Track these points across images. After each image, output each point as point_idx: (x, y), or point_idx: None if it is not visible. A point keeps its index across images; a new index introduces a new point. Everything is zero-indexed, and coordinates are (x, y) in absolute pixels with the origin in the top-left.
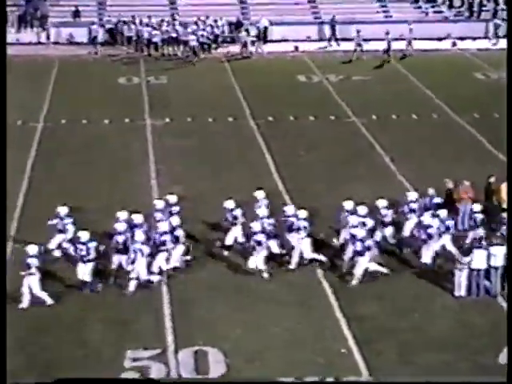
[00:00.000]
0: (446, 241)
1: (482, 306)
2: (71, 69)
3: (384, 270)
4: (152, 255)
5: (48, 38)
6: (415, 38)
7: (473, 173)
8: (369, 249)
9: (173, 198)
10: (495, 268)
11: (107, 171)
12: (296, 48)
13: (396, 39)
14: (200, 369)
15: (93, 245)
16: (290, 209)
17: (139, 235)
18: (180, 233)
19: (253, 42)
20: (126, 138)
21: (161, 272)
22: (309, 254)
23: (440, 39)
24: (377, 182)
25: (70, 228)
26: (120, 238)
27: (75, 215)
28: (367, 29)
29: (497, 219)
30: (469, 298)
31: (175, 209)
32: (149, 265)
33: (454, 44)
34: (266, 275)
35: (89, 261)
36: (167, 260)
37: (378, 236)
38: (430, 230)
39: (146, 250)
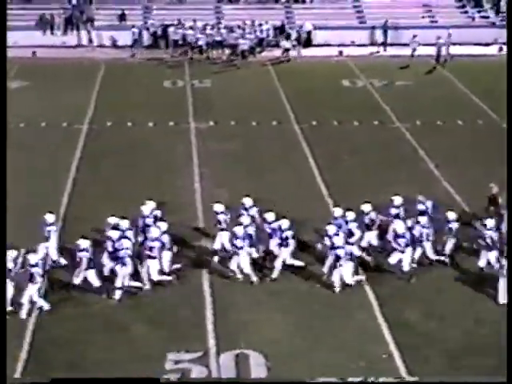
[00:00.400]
0: (427, 248)
1: None
2: (117, 72)
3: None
4: (140, 261)
5: (91, 41)
6: (458, 44)
7: None
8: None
9: (150, 205)
10: None
11: (151, 174)
12: (340, 52)
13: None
14: (241, 372)
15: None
16: (270, 216)
17: (126, 242)
18: (167, 238)
19: (293, 47)
20: (170, 141)
21: (150, 280)
22: (288, 260)
23: (487, 44)
24: (420, 188)
25: (53, 236)
26: (110, 244)
27: (119, 217)
28: (411, 34)
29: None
30: None
31: (156, 213)
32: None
33: (501, 49)
34: (254, 279)
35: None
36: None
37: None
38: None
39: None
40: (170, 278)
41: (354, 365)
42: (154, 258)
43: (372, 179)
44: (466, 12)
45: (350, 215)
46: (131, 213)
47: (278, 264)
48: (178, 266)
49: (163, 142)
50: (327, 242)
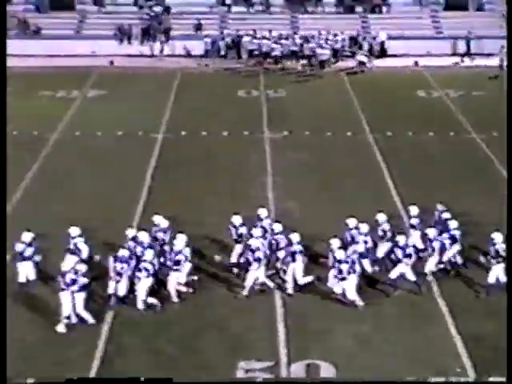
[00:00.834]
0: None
1: None
2: (192, 81)
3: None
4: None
5: (162, 51)
6: None
7: None
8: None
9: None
10: None
11: (225, 183)
12: (416, 63)
13: None
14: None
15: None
16: (277, 227)
17: (149, 254)
18: (188, 251)
19: (366, 57)
20: (244, 151)
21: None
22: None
23: None
24: (496, 199)
25: (83, 248)
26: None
27: (192, 225)
28: (488, 44)
29: None
30: None
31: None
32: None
33: None
34: (272, 284)
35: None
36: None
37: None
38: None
39: (151, 269)
40: (186, 289)
41: (425, 378)
42: (178, 270)
43: (447, 190)
44: None
45: (364, 227)
46: (206, 222)
47: (289, 278)
48: (194, 277)
49: (237, 151)
50: (330, 255)
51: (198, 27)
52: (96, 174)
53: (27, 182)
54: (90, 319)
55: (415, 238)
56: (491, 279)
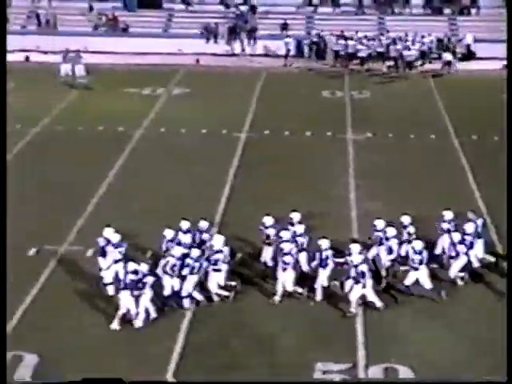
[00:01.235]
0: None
1: None
2: (276, 81)
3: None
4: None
5: (243, 50)
6: None
7: None
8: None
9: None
10: None
11: (306, 183)
12: (504, 66)
13: None
14: None
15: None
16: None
17: (195, 252)
18: (227, 250)
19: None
20: (327, 151)
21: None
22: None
23: None
24: None
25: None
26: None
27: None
28: None
29: None
30: None
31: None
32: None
33: None
34: (304, 292)
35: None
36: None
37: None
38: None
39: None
40: (227, 293)
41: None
42: (218, 270)
43: None
44: None
45: (390, 231)
46: (285, 221)
47: (318, 285)
48: (233, 283)
49: (320, 151)
50: (348, 259)
51: (284, 27)
52: (179, 172)
53: (110, 179)
54: (153, 313)
55: (446, 242)
56: None
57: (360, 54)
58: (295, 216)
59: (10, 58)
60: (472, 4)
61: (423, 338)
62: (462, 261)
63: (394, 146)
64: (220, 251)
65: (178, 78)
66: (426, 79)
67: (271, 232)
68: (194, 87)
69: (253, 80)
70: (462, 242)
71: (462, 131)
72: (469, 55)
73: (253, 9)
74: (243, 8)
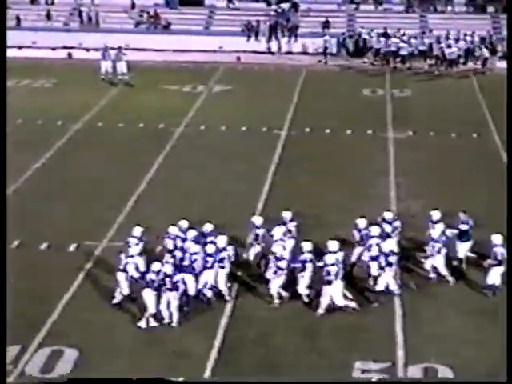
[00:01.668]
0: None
1: None
2: (317, 78)
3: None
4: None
5: (279, 48)
6: None
7: None
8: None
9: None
10: None
11: (346, 181)
12: None
13: None
14: None
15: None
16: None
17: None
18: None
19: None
20: (367, 149)
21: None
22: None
23: None
24: None
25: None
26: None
27: (311, 221)
28: None
29: None
30: None
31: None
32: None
33: None
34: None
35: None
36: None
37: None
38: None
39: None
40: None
41: None
42: (223, 267)
43: None
44: None
45: (374, 230)
46: (327, 219)
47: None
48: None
49: (360, 149)
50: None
51: (326, 25)
52: (219, 169)
53: (150, 176)
54: (175, 322)
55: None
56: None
57: (402, 52)
58: (287, 215)
59: (52, 54)
60: None
61: (467, 339)
62: (440, 258)
63: (435, 144)
64: (224, 249)
65: (218, 76)
66: (469, 78)
67: (260, 232)
68: (234, 85)
69: (293, 78)
70: (437, 240)
71: (503, 129)
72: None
73: (295, 6)
74: (284, 5)
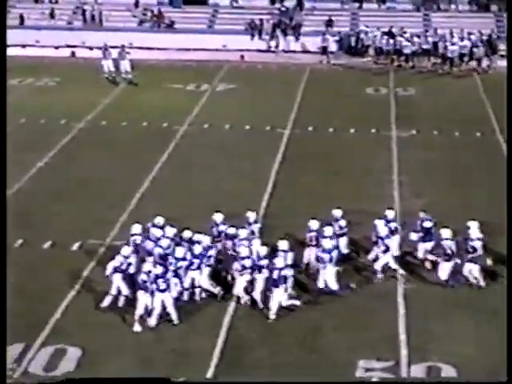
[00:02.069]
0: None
1: None
2: (320, 77)
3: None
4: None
5: (277, 46)
6: None
7: None
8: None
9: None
10: None
11: (350, 180)
12: None
13: None
14: None
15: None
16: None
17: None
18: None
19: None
20: (371, 148)
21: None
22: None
23: None
24: None
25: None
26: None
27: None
28: None
29: None
30: None
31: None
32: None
33: None
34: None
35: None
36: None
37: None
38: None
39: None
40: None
41: None
42: (209, 266)
43: None
44: None
45: (328, 230)
46: (327, 218)
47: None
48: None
49: (364, 148)
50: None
51: (329, 23)
52: (223, 167)
53: (154, 175)
54: (175, 320)
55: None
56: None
57: (405, 51)
58: (251, 215)
59: (55, 53)
60: None
61: (470, 338)
62: (387, 256)
63: (439, 143)
64: (211, 247)
65: (222, 74)
66: (472, 76)
67: (222, 229)
68: (238, 83)
69: (297, 76)
70: (386, 238)
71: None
72: None
73: (300, 5)
74: (288, 4)
